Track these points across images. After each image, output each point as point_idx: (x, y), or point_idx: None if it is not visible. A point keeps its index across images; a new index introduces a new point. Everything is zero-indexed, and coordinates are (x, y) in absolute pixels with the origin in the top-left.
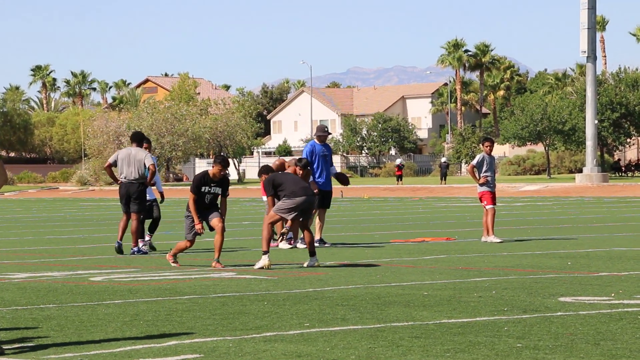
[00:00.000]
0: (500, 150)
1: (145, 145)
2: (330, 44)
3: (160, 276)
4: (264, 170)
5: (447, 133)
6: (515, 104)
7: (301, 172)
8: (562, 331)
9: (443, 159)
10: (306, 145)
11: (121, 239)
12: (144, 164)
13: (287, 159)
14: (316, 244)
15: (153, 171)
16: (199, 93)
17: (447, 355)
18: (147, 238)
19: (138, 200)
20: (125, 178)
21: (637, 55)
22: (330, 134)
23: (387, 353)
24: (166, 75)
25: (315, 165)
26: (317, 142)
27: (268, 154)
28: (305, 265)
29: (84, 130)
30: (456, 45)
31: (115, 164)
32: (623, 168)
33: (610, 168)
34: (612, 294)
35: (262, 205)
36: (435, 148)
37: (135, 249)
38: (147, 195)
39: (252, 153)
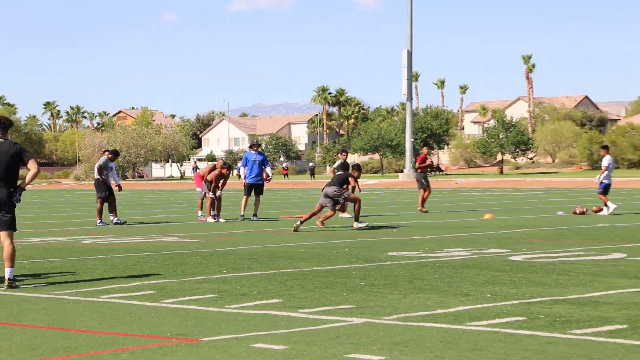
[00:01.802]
0: (352, 157)
1: (110, 155)
2: (241, 85)
3: (129, 240)
4: (357, 167)
5: (317, 146)
6: (361, 128)
7: (225, 171)
8: (389, 274)
9: (310, 164)
10: (244, 154)
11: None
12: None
13: (215, 162)
14: (254, 218)
15: (98, 169)
16: (154, 120)
17: (316, 290)
18: (111, 217)
19: (96, 190)
20: None
21: (437, 97)
22: (259, 145)
23: (277, 289)
24: (133, 108)
25: (249, 167)
26: (252, 151)
27: (200, 159)
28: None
29: (78, 144)
30: (323, 90)
31: None
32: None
33: None
34: (421, 250)
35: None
36: (309, 156)
37: (110, 220)
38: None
39: (189, 159)
